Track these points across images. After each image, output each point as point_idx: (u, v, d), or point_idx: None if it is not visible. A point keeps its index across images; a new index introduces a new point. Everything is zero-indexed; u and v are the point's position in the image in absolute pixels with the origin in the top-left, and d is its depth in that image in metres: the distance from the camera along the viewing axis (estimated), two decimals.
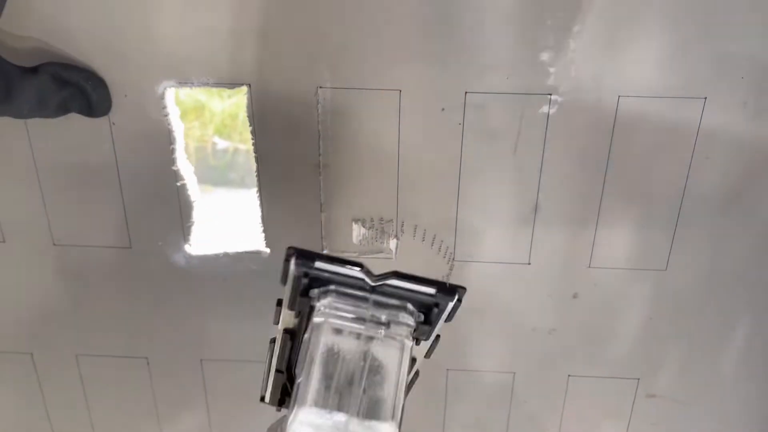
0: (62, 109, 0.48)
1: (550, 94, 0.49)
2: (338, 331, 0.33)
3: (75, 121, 0.50)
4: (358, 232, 0.55)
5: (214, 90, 0.49)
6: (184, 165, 0.53)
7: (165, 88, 0.50)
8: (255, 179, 0.53)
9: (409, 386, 0.39)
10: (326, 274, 0.34)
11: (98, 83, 0.48)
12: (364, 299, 0.35)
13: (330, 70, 0.49)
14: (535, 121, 0.50)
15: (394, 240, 0.55)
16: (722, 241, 0.54)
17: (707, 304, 0.57)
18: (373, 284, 0.35)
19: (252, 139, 0.51)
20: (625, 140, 0.50)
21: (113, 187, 0.54)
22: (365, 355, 0.33)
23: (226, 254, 0.56)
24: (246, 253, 0.56)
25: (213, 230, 0.56)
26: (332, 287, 0.35)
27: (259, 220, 0.55)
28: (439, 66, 0.48)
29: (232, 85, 0.49)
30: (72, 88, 0.47)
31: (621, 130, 0.50)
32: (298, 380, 0.33)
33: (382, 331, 0.34)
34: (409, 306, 0.35)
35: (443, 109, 0.50)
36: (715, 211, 0.52)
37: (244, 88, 0.49)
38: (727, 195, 0.52)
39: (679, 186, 0.52)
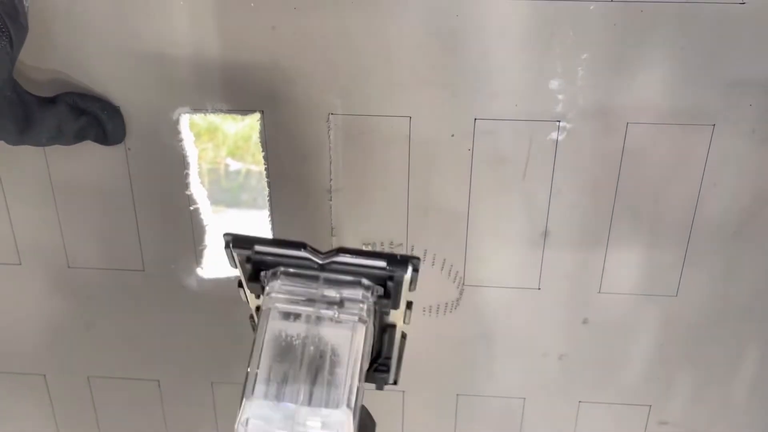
0: (79, 138, 0.49)
1: (559, 121, 0.49)
2: (287, 315, 0.32)
3: (92, 146, 0.51)
4: None
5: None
6: (197, 189, 0.54)
7: (180, 115, 0.51)
8: (266, 200, 0.54)
9: (401, 350, 0.39)
10: (270, 257, 0.33)
11: (114, 112, 0.50)
12: (315, 278, 0.33)
13: (341, 97, 0.49)
14: (544, 147, 0.50)
15: None
16: (733, 266, 0.54)
17: (718, 330, 0.56)
18: (321, 262, 0.33)
19: (264, 164, 0.52)
20: (633, 166, 0.50)
21: (128, 211, 0.55)
22: (315, 339, 0.31)
23: (238, 278, 0.57)
24: None
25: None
26: (281, 269, 0.33)
27: None
28: (448, 93, 0.49)
29: (246, 111, 0.50)
30: (88, 117, 0.48)
31: (630, 157, 0.50)
32: (248, 369, 0.31)
33: (335, 310, 0.32)
34: (364, 281, 0.33)
35: (453, 136, 0.50)
36: (725, 237, 0.52)
37: (257, 115, 0.50)
38: (737, 221, 0.52)
39: (689, 212, 0.52)
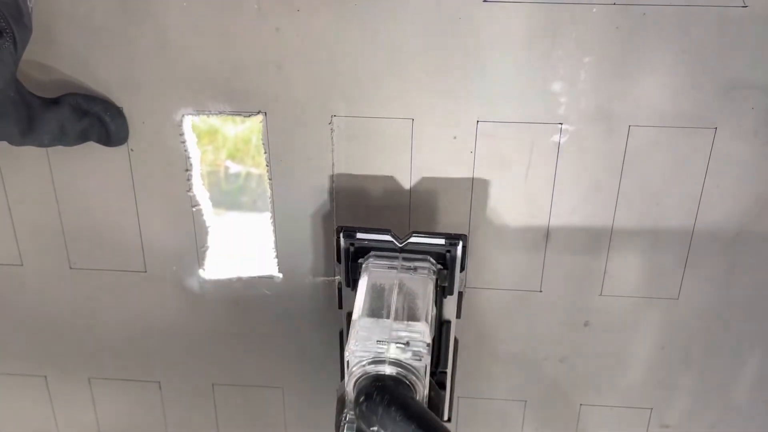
0: (81, 138, 0.49)
1: (561, 124, 0.49)
2: (379, 274, 0.47)
3: (94, 147, 0.51)
4: None
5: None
6: (199, 191, 0.54)
7: (183, 116, 0.51)
8: (266, 203, 0.54)
9: (455, 355, 0.52)
10: (366, 242, 0.48)
11: (117, 114, 0.50)
12: (396, 257, 0.48)
13: (344, 99, 0.49)
14: (546, 149, 0.50)
15: None
16: (734, 270, 0.54)
17: (719, 333, 0.56)
18: (400, 245, 0.48)
19: (267, 165, 0.52)
20: (636, 169, 0.50)
21: (129, 212, 0.55)
22: (400, 285, 0.45)
23: (239, 279, 0.57)
24: (259, 277, 0.57)
25: (226, 255, 0.56)
26: (371, 253, 0.48)
27: (272, 246, 0.55)
28: (451, 95, 0.49)
29: (248, 113, 0.50)
30: (92, 118, 0.48)
31: (631, 160, 0.50)
32: (353, 310, 0.44)
33: (411, 272, 0.47)
34: (430, 258, 0.48)
35: (455, 138, 0.50)
36: (727, 240, 0.52)
37: (260, 116, 0.50)
38: (739, 224, 0.52)
39: (690, 215, 0.52)
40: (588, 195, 0.51)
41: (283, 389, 0.62)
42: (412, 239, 0.48)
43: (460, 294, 0.49)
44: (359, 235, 0.48)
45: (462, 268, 0.48)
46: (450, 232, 0.47)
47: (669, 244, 0.53)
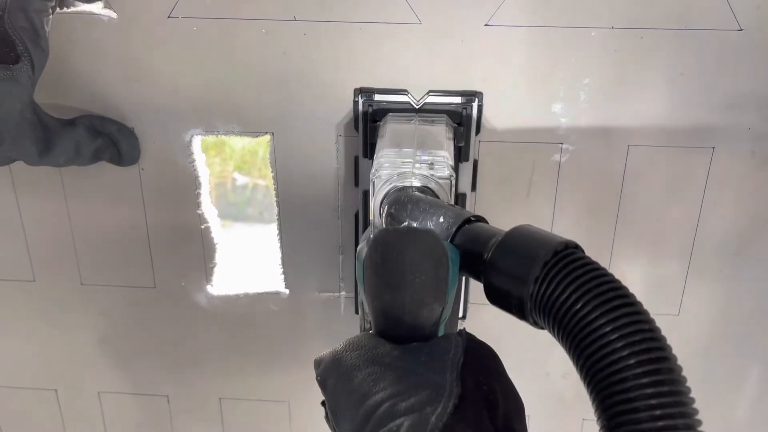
0: (95, 158, 0.50)
1: (562, 143, 0.50)
2: (399, 121, 0.47)
3: (106, 166, 0.52)
4: None
5: None
6: (208, 209, 0.55)
7: (192, 136, 0.52)
8: (273, 214, 0.55)
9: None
10: (384, 104, 0.48)
11: (129, 134, 0.51)
12: (413, 117, 0.47)
13: (349, 119, 0.50)
14: (547, 168, 0.51)
15: None
16: (734, 286, 0.54)
17: (720, 349, 0.57)
18: (416, 105, 0.48)
19: (274, 184, 0.53)
20: (635, 187, 0.51)
21: (140, 229, 0.56)
22: (420, 129, 0.45)
23: (246, 295, 0.58)
24: (266, 293, 0.58)
25: (234, 271, 0.57)
26: (389, 114, 0.47)
27: (279, 262, 0.56)
28: None
29: (257, 133, 0.51)
30: (105, 138, 0.50)
31: (631, 178, 0.51)
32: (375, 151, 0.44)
33: (429, 124, 0.46)
34: (446, 116, 0.47)
35: None
36: (726, 257, 0.53)
37: (268, 137, 0.52)
38: (737, 242, 0.52)
39: (690, 232, 0.52)
40: (588, 212, 0.52)
41: (289, 403, 0.63)
42: (429, 98, 0.48)
43: (476, 163, 0.49)
44: (377, 97, 0.48)
45: (477, 130, 0.48)
46: (465, 90, 0.48)
47: (669, 261, 0.54)
